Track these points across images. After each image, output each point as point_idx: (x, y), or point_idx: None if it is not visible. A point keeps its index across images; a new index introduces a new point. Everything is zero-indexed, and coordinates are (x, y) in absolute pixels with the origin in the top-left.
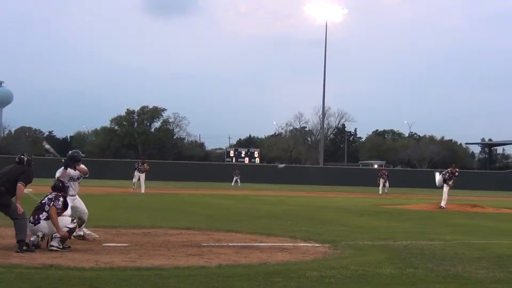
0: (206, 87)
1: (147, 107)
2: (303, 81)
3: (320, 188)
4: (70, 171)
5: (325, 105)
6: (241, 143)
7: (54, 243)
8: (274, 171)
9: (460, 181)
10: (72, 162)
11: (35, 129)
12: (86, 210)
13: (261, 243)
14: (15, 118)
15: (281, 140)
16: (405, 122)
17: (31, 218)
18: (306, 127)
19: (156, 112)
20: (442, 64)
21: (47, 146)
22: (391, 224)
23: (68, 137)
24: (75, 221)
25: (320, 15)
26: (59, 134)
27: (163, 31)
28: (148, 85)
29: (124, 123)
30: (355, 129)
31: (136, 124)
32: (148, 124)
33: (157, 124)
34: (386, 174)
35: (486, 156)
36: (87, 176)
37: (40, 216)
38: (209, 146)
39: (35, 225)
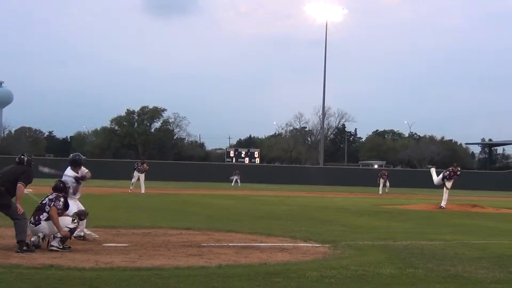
0: (206, 87)
1: (147, 107)
2: (303, 81)
3: (320, 188)
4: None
5: (325, 105)
6: (241, 143)
7: (55, 243)
8: (274, 171)
9: (460, 181)
10: (74, 165)
11: (35, 129)
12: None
13: (261, 243)
14: (15, 118)
15: (281, 140)
16: (405, 122)
17: (32, 218)
18: (306, 127)
19: (156, 112)
20: (442, 64)
21: (46, 170)
22: (391, 224)
23: (68, 137)
24: (75, 221)
25: (320, 15)
26: (59, 134)
27: (163, 31)
28: (148, 85)
29: (124, 123)
30: (355, 129)
31: (136, 124)
32: (148, 124)
33: (157, 124)
34: (386, 174)
35: (486, 156)
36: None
37: (41, 216)
38: (209, 146)
39: (35, 226)
